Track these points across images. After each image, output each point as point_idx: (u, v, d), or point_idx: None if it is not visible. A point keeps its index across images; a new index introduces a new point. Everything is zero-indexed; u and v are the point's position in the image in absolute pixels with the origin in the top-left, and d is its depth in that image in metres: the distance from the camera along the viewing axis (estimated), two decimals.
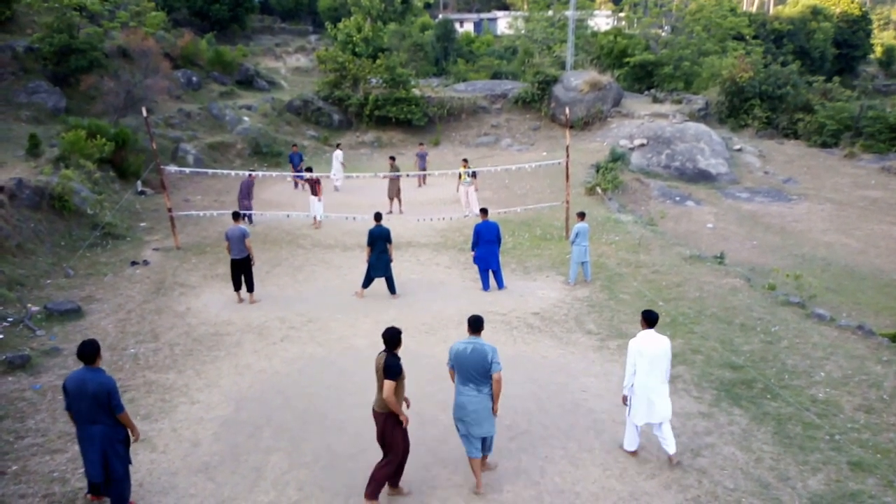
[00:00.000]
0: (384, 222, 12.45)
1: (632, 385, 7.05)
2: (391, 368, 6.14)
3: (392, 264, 12.49)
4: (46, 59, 23.40)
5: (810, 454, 7.33)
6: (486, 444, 6.77)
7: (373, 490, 6.37)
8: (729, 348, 10.14)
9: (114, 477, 6.09)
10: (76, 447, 7.25)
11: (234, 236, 11.86)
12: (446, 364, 6.71)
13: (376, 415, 6.36)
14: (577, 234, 12.89)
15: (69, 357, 9.58)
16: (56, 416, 8.04)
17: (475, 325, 6.62)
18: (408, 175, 20.22)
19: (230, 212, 14.26)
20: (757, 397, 8.63)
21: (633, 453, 7.37)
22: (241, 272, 12.03)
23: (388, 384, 6.11)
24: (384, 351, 6.31)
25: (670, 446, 7.14)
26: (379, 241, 12.17)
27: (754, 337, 10.64)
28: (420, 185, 23.10)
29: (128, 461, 6.26)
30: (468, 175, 18.75)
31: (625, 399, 7.20)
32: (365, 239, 12.57)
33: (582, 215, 13.22)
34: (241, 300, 12.16)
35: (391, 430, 6.34)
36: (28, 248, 13.55)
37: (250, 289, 12.16)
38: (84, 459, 6.12)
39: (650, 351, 6.89)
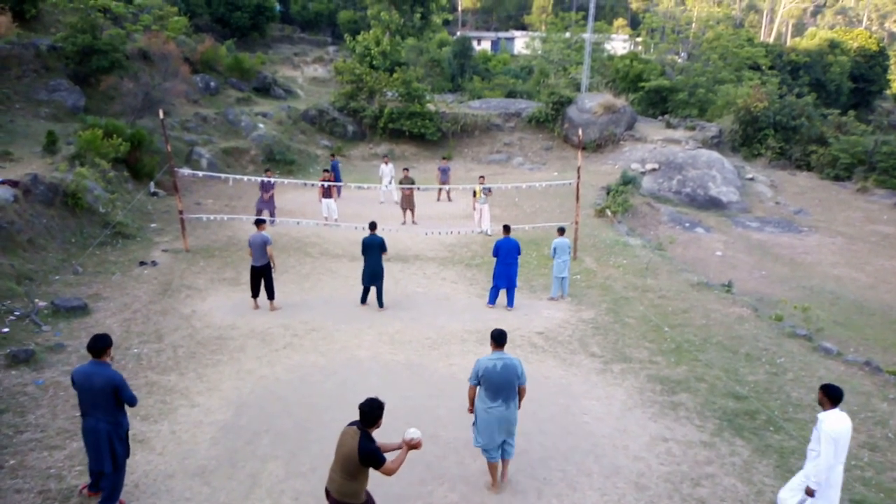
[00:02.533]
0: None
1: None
2: (370, 457, 5.08)
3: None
4: (68, 58, 23.73)
5: None
6: (506, 448, 6.83)
7: None
8: (733, 378, 10.05)
9: (110, 470, 6.15)
10: (74, 444, 7.29)
11: (256, 243, 11.94)
12: (469, 380, 6.74)
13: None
14: (555, 250, 13.17)
15: (73, 353, 9.63)
16: (56, 413, 8.06)
17: (500, 339, 6.64)
18: (419, 188, 20.23)
19: (241, 217, 14.33)
20: (760, 429, 8.54)
21: None
22: (261, 279, 12.11)
23: (366, 471, 5.23)
24: (357, 426, 5.20)
25: None
26: (372, 250, 12.25)
27: (759, 367, 10.55)
28: (448, 200, 22.95)
29: (126, 457, 6.33)
30: (483, 192, 18.76)
31: (812, 492, 6.11)
32: None
33: (561, 231, 13.54)
34: (257, 307, 12.17)
35: None
36: (39, 243, 13.66)
37: (271, 296, 12.18)
38: (87, 450, 6.21)
39: (844, 437, 6.00)
